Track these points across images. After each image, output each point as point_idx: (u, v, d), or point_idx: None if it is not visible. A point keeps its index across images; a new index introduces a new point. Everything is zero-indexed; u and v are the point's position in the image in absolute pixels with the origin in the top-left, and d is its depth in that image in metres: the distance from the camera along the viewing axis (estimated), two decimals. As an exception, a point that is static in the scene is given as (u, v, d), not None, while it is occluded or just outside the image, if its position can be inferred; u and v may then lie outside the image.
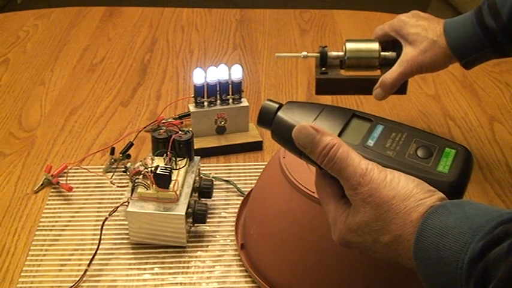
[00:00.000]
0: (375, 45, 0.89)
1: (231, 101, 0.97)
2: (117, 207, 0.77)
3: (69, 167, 0.93)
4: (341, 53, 0.90)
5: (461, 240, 0.45)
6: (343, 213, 0.54)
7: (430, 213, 0.48)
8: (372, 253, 0.53)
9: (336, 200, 0.55)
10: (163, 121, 1.01)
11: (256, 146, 0.99)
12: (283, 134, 0.57)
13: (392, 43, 0.90)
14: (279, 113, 0.59)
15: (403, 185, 0.50)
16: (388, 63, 0.88)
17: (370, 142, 0.56)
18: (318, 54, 0.90)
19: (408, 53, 0.86)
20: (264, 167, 0.82)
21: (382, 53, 0.89)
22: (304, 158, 0.56)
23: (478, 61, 0.86)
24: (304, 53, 0.92)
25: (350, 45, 0.89)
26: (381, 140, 0.56)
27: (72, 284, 0.74)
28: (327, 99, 1.14)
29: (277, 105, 0.60)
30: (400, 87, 0.88)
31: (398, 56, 0.88)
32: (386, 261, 0.53)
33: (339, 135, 0.56)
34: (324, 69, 0.90)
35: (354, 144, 0.55)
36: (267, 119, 0.60)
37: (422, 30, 0.85)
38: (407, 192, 0.50)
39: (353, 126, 0.58)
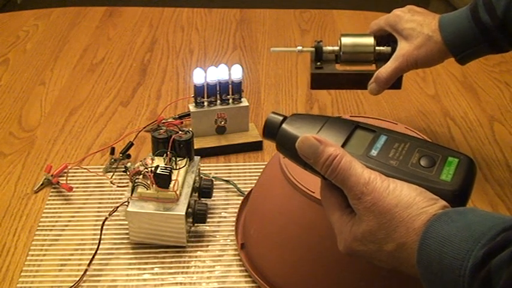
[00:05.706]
0: (370, 40, 0.89)
1: (231, 101, 0.97)
2: (117, 207, 0.77)
3: (69, 167, 0.93)
4: (336, 48, 0.90)
5: (463, 247, 0.45)
6: (348, 223, 0.54)
7: (433, 221, 0.48)
8: (377, 262, 0.53)
9: (341, 210, 0.55)
10: (163, 121, 1.01)
11: (256, 146, 0.99)
12: (288, 146, 0.58)
13: (387, 38, 0.90)
14: (284, 125, 0.60)
15: (405, 194, 0.51)
16: (383, 58, 0.89)
17: (374, 152, 0.56)
18: (313, 49, 0.91)
19: (403, 48, 0.86)
20: (264, 167, 0.82)
21: (377, 48, 0.89)
22: (309, 169, 0.57)
23: (473, 57, 0.86)
24: (300, 47, 0.92)
25: (345, 40, 0.89)
26: (384, 150, 0.56)
27: (72, 284, 0.74)
28: (324, 95, 1.14)
29: (281, 118, 0.60)
30: (394, 83, 0.88)
31: (393, 50, 0.88)
32: (391, 269, 0.53)
33: (343, 146, 0.57)
34: (319, 63, 0.91)
35: (357, 154, 0.56)
36: (272, 131, 0.60)
37: (418, 25, 0.85)
38: (410, 201, 0.50)
39: (356, 137, 0.58)
